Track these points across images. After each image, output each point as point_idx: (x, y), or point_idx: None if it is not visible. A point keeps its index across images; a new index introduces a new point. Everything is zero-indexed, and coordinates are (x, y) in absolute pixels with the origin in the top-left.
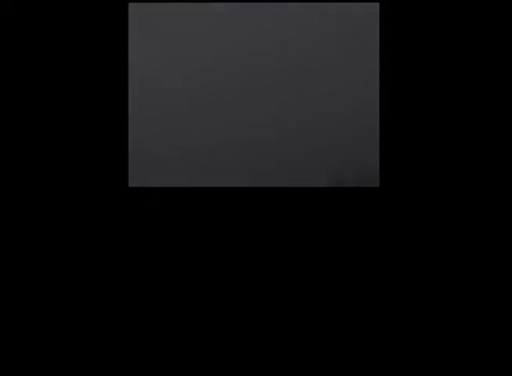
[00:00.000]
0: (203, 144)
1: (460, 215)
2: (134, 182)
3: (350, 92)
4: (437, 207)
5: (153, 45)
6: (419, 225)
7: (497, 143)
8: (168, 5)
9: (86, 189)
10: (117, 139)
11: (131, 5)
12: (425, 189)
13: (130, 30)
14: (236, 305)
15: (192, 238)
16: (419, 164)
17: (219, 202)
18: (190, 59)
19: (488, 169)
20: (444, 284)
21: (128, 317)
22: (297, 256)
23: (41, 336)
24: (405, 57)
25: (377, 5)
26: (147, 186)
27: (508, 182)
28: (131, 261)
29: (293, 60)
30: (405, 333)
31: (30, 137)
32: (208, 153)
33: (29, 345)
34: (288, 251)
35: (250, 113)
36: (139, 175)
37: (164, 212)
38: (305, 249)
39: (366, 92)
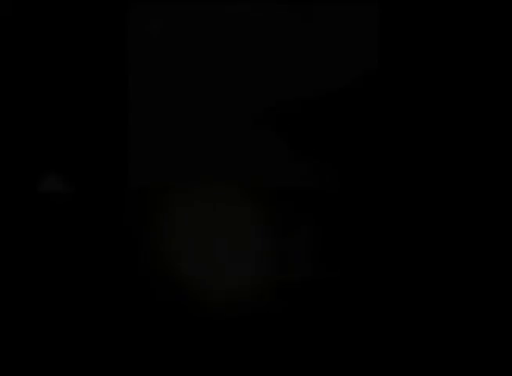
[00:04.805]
0: (204, 144)
1: (460, 216)
2: (134, 182)
3: (350, 91)
4: (437, 208)
5: (153, 45)
6: (419, 226)
7: (495, 141)
8: (168, 5)
9: (86, 189)
10: (118, 139)
11: (131, 5)
12: (425, 189)
13: (130, 30)
14: (236, 302)
15: (192, 238)
16: (419, 164)
17: (219, 202)
18: (190, 59)
19: (488, 169)
20: (443, 284)
21: (128, 317)
22: (296, 255)
23: (39, 335)
24: (405, 57)
25: (377, 5)
26: (147, 186)
27: (507, 181)
28: (131, 260)
29: (293, 60)
30: (404, 333)
31: (31, 138)
32: (209, 153)
33: (28, 342)
34: (287, 250)
35: (251, 112)
36: (139, 175)
37: (164, 212)
38: (305, 248)
39: (366, 92)
